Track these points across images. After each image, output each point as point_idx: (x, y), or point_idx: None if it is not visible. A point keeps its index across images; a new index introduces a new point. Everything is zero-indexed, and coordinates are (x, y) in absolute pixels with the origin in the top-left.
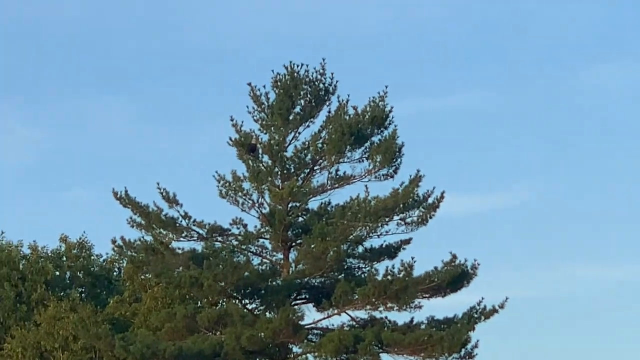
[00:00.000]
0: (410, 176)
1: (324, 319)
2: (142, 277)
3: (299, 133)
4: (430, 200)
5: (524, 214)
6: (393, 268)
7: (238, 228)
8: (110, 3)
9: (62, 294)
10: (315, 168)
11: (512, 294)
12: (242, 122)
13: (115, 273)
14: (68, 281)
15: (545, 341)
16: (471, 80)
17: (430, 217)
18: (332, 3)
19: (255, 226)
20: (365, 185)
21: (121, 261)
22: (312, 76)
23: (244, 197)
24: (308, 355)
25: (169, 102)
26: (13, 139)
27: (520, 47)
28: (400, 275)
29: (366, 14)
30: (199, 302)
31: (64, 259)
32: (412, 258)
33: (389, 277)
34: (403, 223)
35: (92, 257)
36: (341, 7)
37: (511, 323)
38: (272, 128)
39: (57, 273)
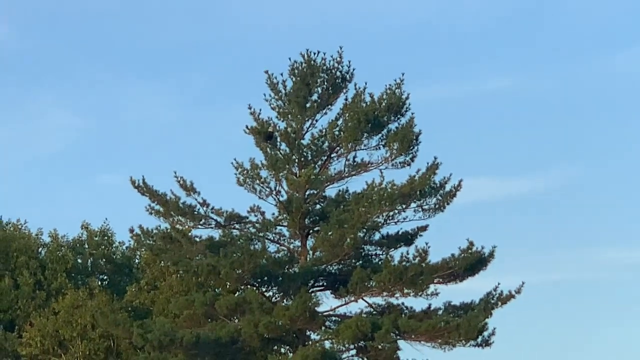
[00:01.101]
0: (428, 163)
1: (342, 305)
2: (161, 264)
3: (316, 121)
4: (447, 188)
5: (545, 199)
6: (408, 254)
7: (256, 216)
8: None
9: (82, 282)
10: (332, 155)
11: (531, 278)
12: (260, 109)
13: (136, 261)
14: (89, 269)
15: (566, 326)
16: (491, 66)
17: (447, 204)
18: None
19: (273, 214)
20: (381, 172)
21: (142, 249)
22: (329, 64)
23: (261, 184)
24: (325, 342)
25: (203, 89)
26: (49, 124)
27: (538, 33)
28: (416, 261)
29: (383, 2)
30: (218, 290)
31: (86, 246)
32: (427, 244)
33: (404, 263)
34: (420, 209)
35: (115, 245)
36: None
37: (530, 308)
38: (289, 116)
39: (80, 261)
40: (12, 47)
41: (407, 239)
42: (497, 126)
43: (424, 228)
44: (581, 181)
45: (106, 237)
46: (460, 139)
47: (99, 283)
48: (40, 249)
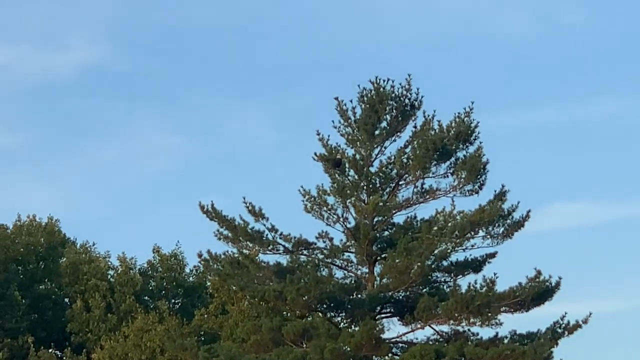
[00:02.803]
0: (495, 191)
1: (409, 332)
2: (230, 289)
3: (385, 148)
4: (515, 216)
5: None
6: (476, 283)
7: (324, 242)
8: (247, 11)
9: (151, 305)
10: (400, 183)
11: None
12: (329, 136)
13: (207, 285)
14: (159, 293)
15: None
16: (559, 93)
17: (516, 232)
18: (415, 18)
19: (341, 240)
20: (452, 200)
21: (210, 274)
22: (397, 91)
23: (328, 211)
24: None
25: (299, 111)
26: (152, 145)
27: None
28: (483, 291)
29: (451, 29)
30: (286, 315)
31: (159, 269)
32: (495, 274)
33: (471, 292)
34: (489, 237)
35: (186, 269)
36: (426, 23)
37: (598, 336)
38: (358, 143)
39: (154, 284)
40: (116, 68)
41: (475, 266)
42: (564, 154)
43: (492, 255)
44: None
45: (176, 261)
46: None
47: (169, 307)
48: (110, 272)
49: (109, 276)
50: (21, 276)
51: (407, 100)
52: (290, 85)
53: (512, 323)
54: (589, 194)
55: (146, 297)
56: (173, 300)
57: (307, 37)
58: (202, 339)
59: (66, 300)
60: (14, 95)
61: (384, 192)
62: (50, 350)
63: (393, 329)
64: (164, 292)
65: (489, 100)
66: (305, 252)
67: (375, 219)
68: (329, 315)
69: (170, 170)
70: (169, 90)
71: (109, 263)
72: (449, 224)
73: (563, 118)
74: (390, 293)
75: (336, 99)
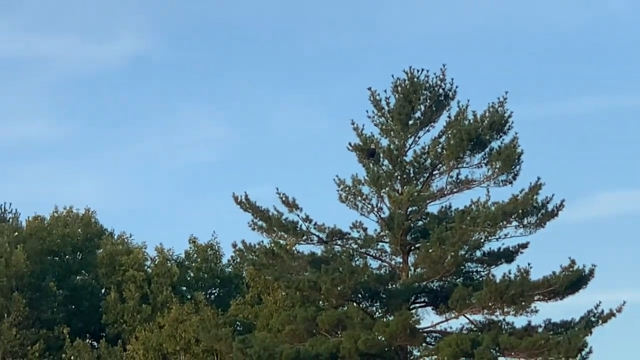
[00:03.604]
0: (530, 183)
1: (443, 322)
2: (265, 279)
3: (419, 138)
4: (549, 207)
5: None
6: (510, 273)
7: (358, 232)
8: (293, 4)
9: (189, 296)
10: (434, 173)
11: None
12: (363, 125)
13: (243, 275)
14: (196, 283)
15: None
16: (603, 81)
17: (549, 221)
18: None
19: (375, 230)
20: (487, 190)
21: (245, 264)
22: (432, 81)
23: (363, 201)
24: (426, 358)
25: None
26: (198, 135)
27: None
28: (517, 280)
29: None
30: (321, 305)
31: (197, 260)
32: (529, 264)
33: (505, 281)
34: (521, 226)
35: (224, 260)
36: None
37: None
38: (392, 133)
39: (192, 274)
40: (162, 58)
41: (508, 255)
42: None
43: (525, 245)
44: None
45: (213, 251)
46: (562, 157)
47: (205, 297)
48: (147, 263)
49: (146, 267)
50: (57, 267)
51: (441, 90)
52: (337, 73)
53: (547, 312)
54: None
55: (183, 288)
56: (210, 291)
57: (353, 26)
58: (238, 329)
59: (103, 291)
60: (61, 86)
61: (418, 182)
62: (85, 341)
63: (427, 318)
64: (200, 282)
65: (530, 89)
66: (339, 242)
67: (410, 209)
68: (363, 305)
69: (215, 160)
70: (214, 80)
71: (146, 254)
72: (482, 214)
73: (606, 106)
74: (424, 283)
75: (369, 89)
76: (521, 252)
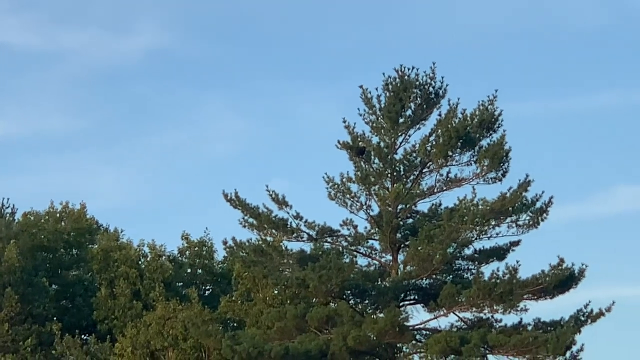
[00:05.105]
0: (519, 180)
1: (433, 319)
2: (254, 276)
3: (409, 136)
4: (538, 205)
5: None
6: (498, 271)
7: (348, 229)
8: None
9: (183, 292)
10: (424, 171)
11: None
12: (355, 123)
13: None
14: (189, 280)
15: None
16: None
17: (541, 220)
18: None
19: (365, 227)
20: (473, 188)
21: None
22: (422, 80)
23: (352, 199)
24: (415, 355)
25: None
26: (220, 129)
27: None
28: (505, 278)
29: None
30: (311, 302)
31: (190, 257)
32: (517, 262)
33: (494, 279)
34: (514, 225)
35: (219, 256)
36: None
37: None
38: (383, 131)
39: (189, 270)
40: (184, 53)
41: (500, 254)
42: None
43: (516, 243)
44: None
45: (206, 248)
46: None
47: (198, 294)
48: (140, 259)
49: (140, 263)
50: (50, 263)
51: (431, 89)
52: (361, 68)
53: (539, 311)
54: None
55: (179, 284)
56: (205, 287)
57: (374, 21)
58: (230, 325)
59: (96, 287)
60: (81, 79)
61: (408, 180)
62: (76, 338)
63: (417, 316)
64: (194, 279)
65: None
66: (329, 239)
67: (399, 207)
68: (353, 303)
69: (235, 154)
70: (235, 74)
71: (141, 250)
72: (470, 212)
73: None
74: (413, 280)
75: (361, 87)
76: (513, 250)
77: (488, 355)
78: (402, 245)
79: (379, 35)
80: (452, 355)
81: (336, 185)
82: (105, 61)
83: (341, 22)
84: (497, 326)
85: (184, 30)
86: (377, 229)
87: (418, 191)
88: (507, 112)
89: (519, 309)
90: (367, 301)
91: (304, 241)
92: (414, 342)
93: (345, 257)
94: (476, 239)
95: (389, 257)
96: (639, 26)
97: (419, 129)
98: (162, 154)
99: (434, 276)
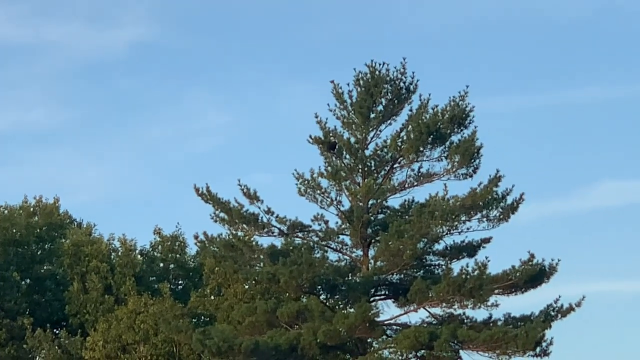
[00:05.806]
0: (490, 176)
1: (403, 314)
2: (225, 271)
3: (380, 131)
4: (509, 201)
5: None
6: (467, 267)
7: (319, 224)
8: None
9: (155, 287)
10: (395, 166)
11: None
12: (327, 119)
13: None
14: (162, 274)
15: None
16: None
17: (512, 214)
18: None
19: (337, 222)
20: (445, 184)
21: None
22: (392, 75)
23: (322, 194)
24: (385, 350)
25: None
26: (204, 123)
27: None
28: (475, 274)
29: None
30: (281, 297)
31: (162, 251)
32: (487, 257)
33: (463, 275)
34: (485, 220)
35: (192, 251)
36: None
37: (593, 316)
38: (354, 126)
39: (162, 265)
40: (167, 46)
41: (471, 250)
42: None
43: (487, 240)
44: None
45: (178, 243)
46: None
47: (170, 288)
48: (112, 254)
49: (112, 258)
50: (21, 257)
51: (402, 84)
52: (345, 62)
53: (510, 306)
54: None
55: (151, 278)
56: (176, 282)
57: (358, 14)
58: (201, 320)
59: (68, 281)
60: (64, 72)
61: (379, 176)
62: (46, 331)
63: (387, 311)
64: (166, 273)
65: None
66: (300, 234)
67: (370, 202)
68: (323, 298)
69: (218, 148)
70: (219, 68)
71: (112, 245)
72: (440, 208)
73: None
74: (384, 276)
75: (332, 82)
76: (484, 247)
77: (460, 352)
78: (373, 241)
79: (357, 29)
80: (423, 351)
81: (306, 181)
82: (88, 54)
83: (324, 16)
84: (468, 322)
85: (168, 24)
86: (347, 224)
87: (389, 186)
88: (486, 107)
89: (489, 304)
90: (337, 296)
91: (274, 236)
92: (384, 337)
93: (316, 252)
94: (446, 234)
95: (360, 252)
96: (617, 18)
97: (390, 124)
98: (144, 148)
99: (404, 271)
